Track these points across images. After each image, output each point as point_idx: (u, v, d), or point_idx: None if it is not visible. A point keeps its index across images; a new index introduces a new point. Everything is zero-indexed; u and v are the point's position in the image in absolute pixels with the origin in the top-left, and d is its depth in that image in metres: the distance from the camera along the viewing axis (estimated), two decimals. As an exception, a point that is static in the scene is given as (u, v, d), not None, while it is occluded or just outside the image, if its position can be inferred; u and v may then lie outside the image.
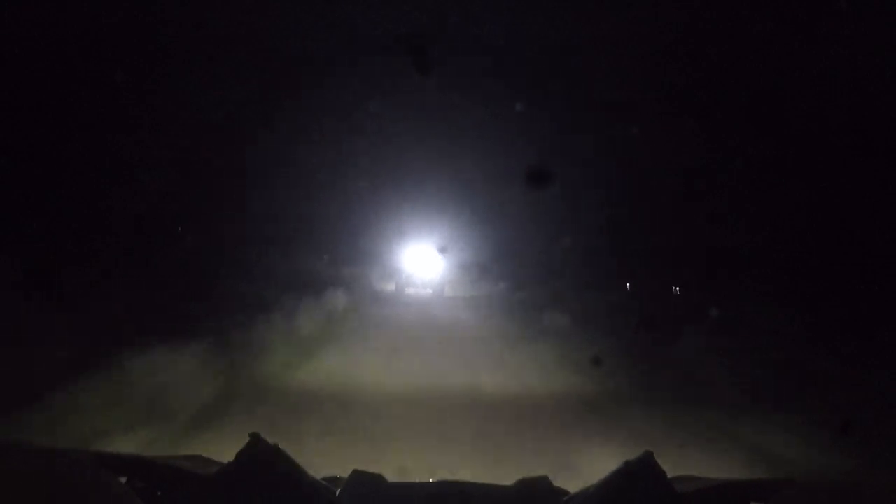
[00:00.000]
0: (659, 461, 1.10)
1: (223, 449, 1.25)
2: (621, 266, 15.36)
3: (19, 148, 8.92)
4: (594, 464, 3.27)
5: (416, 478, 1.75)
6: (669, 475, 1.11)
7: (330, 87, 12.82)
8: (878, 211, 9.51)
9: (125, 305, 6.78)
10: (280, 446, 1.09)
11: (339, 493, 1.12)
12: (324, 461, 3.22)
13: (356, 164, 15.52)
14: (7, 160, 8.49)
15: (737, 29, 9.92)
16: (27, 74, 8.53)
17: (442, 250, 16.75)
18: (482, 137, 15.57)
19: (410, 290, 16.96)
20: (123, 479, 1.07)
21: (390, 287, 17.01)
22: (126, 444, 3.25)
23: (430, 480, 1.36)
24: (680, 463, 3.34)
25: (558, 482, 1.25)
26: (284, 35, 11.11)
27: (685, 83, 11.37)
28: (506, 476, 1.30)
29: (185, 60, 10.33)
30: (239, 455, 1.07)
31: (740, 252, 12.10)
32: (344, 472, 1.22)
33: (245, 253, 12.57)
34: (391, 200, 16.95)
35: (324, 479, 1.19)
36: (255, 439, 1.08)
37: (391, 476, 1.21)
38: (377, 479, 1.18)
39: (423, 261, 17.32)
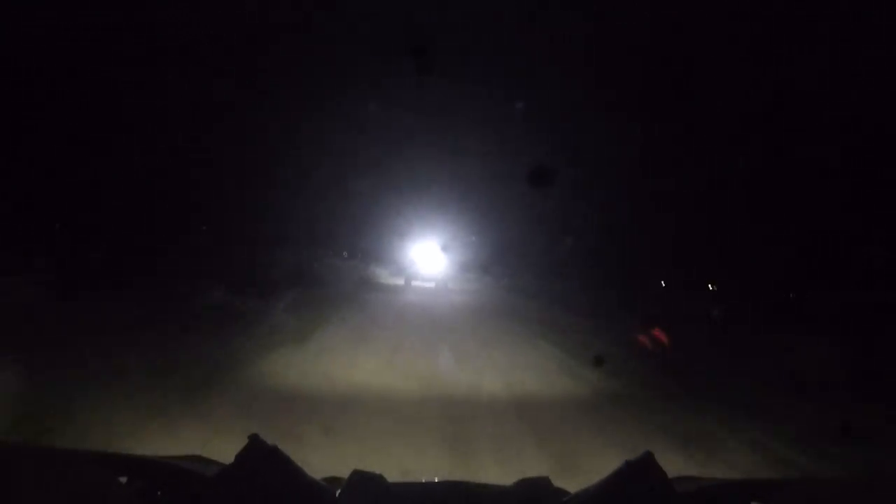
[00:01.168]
0: (660, 461, 1.09)
1: (225, 445, 1.26)
2: (610, 263, 15.95)
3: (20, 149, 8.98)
4: (595, 461, 3.26)
5: (417, 477, 1.75)
6: (670, 475, 1.11)
7: (359, 110, 13.56)
8: (879, 211, 9.50)
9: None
10: (281, 445, 1.09)
11: (339, 493, 1.11)
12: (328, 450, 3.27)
13: (376, 178, 17.10)
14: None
15: (737, 29, 9.90)
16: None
17: (444, 249, 19.18)
18: (481, 147, 16.16)
19: (416, 284, 19.11)
20: (123, 479, 1.07)
21: (400, 281, 19.39)
22: (126, 443, 3.24)
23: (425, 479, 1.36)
24: (680, 463, 3.33)
25: (558, 482, 1.24)
26: (294, 37, 11.18)
27: (687, 83, 11.35)
28: (506, 476, 1.30)
29: (194, 61, 10.41)
30: (238, 456, 1.07)
31: (741, 252, 12.09)
32: (344, 471, 1.22)
33: (276, 251, 14.30)
34: (401, 207, 18.69)
35: (324, 479, 1.18)
36: (255, 440, 1.08)
37: (392, 476, 1.21)
38: (377, 479, 1.18)
39: (427, 258, 19.84)
